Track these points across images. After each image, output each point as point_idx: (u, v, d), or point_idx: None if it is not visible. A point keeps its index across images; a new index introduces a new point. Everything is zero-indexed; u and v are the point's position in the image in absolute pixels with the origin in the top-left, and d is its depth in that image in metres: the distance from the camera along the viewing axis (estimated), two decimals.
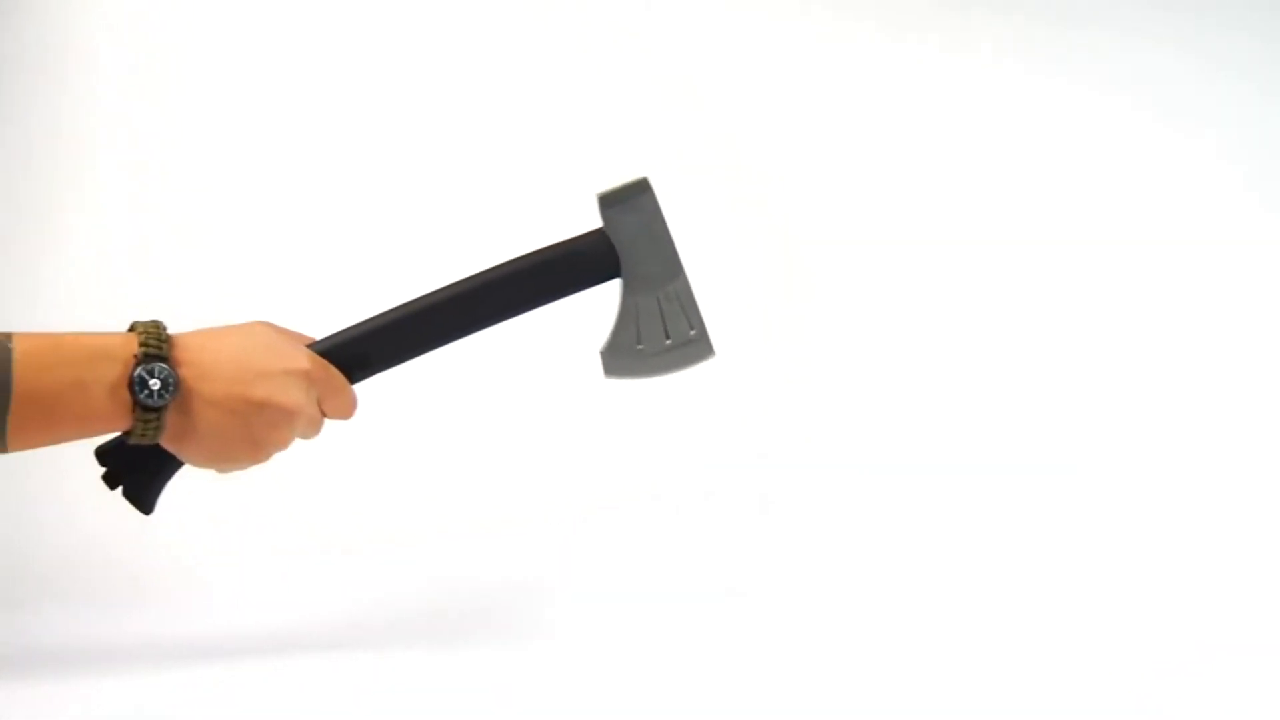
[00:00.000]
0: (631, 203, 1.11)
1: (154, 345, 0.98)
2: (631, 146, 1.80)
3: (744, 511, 1.66)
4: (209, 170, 1.72)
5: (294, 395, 1.03)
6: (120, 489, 1.07)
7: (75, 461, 1.08)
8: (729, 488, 1.69)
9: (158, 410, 0.98)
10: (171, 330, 1.02)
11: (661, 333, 1.12)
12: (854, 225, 1.86)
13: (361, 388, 1.12)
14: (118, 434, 1.03)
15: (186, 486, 1.12)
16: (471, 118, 1.79)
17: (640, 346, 1.13)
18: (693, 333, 1.13)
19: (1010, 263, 1.85)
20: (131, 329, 1.01)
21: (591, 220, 1.13)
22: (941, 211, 1.87)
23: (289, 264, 1.71)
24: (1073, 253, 1.86)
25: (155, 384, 0.97)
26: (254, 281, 1.68)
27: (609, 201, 1.11)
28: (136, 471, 1.06)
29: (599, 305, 1.16)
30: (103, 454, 1.06)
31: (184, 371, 0.99)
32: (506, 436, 1.70)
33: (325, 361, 1.08)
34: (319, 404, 1.07)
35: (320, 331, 1.13)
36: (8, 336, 0.96)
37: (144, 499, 1.08)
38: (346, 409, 1.10)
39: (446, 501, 1.65)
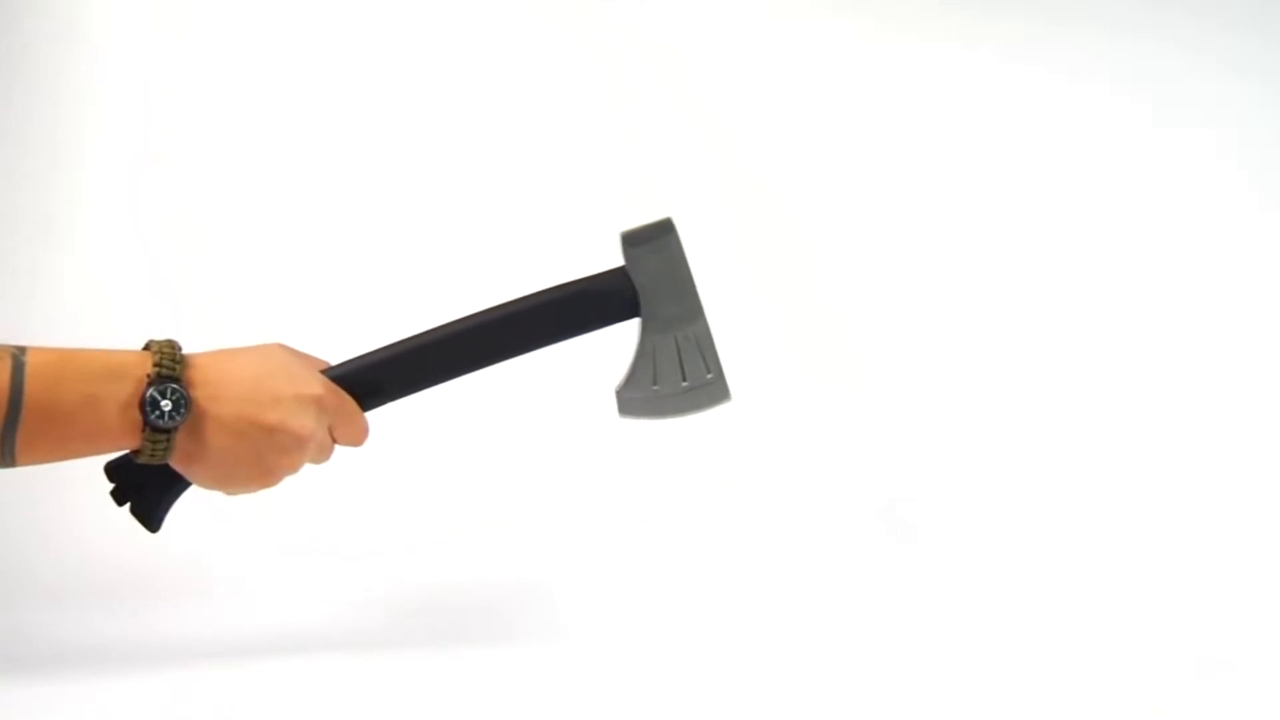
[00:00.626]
0: (655, 243, 1.09)
1: (168, 365, 0.98)
2: (641, 156, 1.81)
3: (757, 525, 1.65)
4: (221, 184, 1.73)
5: (306, 421, 1.02)
6: (128, 506, 1.07)
7: (79, 465, 1.07)
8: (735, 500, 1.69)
9: (168, 431, 0.97)
10: (186, 349, 1.01)
11: (678, 374, 1.11)
12: (858, 224, 1.86)
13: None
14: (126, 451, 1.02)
15: (193, 489, 1.12)
16: (490, 140, 1.80)
17: (656, 387, 1.11)
18: (709, 376, 1.11)
19: (1020, 265, 1.85)
20: (146, 347, 1.00)
21: (613, 255, 1.12)
22: (949, 214, 1.87)
23: (300, 281, 1.71)
24: (1086, 253, 1.86)
25: (167, 405, 0.97)
26: (265, 297, 1.68)
27: (632, 241, 1.10)
28: (144, 489, 1.06)
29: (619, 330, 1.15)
30: (111, 470, 1.05)
31: (196, 393, 0.99)
32: (515, 450, 1.69)
33: (339, 388, 1.07)
34: (330, 431, 1.07)
35: (332, 353, 1.12)
36: (21, 350, 0.95)
37: (151, 517, 1.07)
38: (358, 437, 1.09)
39: (454, 506, 1.65)
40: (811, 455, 1.75)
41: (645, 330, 1.11)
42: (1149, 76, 1.90)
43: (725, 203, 1.82)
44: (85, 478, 1.08)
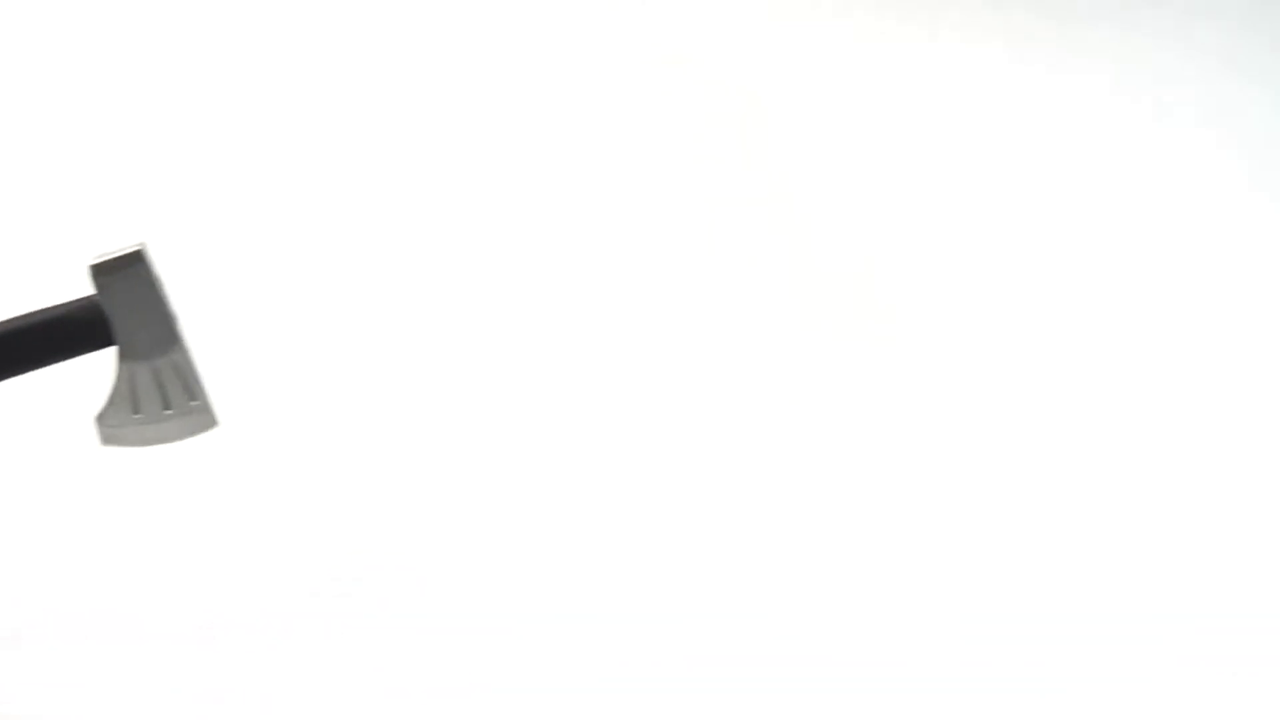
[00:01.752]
0: (124, 272, 1.07)
1: None
2: (639, 156, 1.79)
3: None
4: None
5: None
6: None
7: None
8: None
9: None
10: None
11: (160, 402, 1.10)
12: (862, 222, 1.87)
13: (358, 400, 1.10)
14: None
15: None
16: (486, 141, 1.76)
17: (138, 415, 1.10)
18: (194, 402, 1.11)
19: (1022, 264, 1.87)
20: None
21: (607, 254, 1.08)
22: (951, 215, 1.87)
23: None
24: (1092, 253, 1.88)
25: None
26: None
27: (101, 270, 1.07)
28: None
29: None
30: None
31: None
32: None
33: None
34: None
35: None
36: None
37: None
38: None
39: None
40: (807, 455, 1.72)
41: (122, 359, 1.09)
42: (1148, 76, 1.91)
43: (724, 203, 1.80)
44: None
